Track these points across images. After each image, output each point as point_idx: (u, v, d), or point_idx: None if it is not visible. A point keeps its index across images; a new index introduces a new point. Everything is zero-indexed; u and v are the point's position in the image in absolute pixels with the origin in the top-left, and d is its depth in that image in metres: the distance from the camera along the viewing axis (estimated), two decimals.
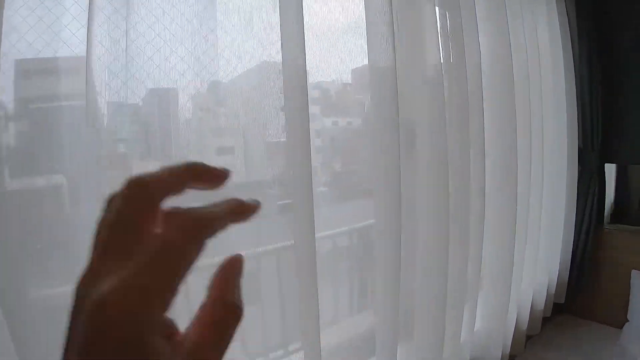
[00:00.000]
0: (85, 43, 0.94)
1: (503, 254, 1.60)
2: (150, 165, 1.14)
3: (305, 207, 1.00)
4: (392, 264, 1.19)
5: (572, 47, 1.99)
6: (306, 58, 1.05)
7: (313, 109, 1.59)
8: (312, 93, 1.56)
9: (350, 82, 1.58)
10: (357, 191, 1.76)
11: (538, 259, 1.94)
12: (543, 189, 1.85)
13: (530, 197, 1.71)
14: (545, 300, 2.06)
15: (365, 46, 1.37)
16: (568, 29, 1.97)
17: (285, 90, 1.00)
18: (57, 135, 0.92)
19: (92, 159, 0.89)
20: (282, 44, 1.01)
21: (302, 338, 1.07)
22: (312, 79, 1.35)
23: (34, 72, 0.95)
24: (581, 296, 2.28)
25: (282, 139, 1.39)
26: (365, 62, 1.48)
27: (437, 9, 1.25)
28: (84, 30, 0.94)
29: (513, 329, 1.82)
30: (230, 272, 0.25)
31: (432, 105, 1.26)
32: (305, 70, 0.99)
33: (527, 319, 1.93)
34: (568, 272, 2.19)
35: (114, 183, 0.23)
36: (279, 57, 1.15)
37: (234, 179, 0.26)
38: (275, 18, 1.19)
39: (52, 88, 0.96)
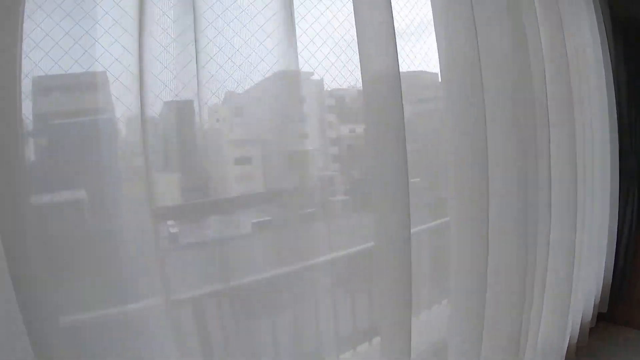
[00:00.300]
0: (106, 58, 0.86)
1: (564, 267, 1.53)
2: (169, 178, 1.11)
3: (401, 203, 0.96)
4: (477, 271, 1.11)
5: (609, 49, 1.95)
6: (320, 66, 1.09)
7: (329, 117, 1.53)
8: (328, 101, 1.50)
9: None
10: None
11: (589, 269, 1.87)
12: (594, 195, 1.78)
13: (585, 205, 1.65)
14: (593, 311, 2.00)
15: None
16: (605, 29, 1.93)
17: (372, 91, 0.98)
18: (77, 150, 0.87)
19: (112, 172, 0.88)
20: (359, 43, 0.98)
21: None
22: (326, 86, 1.33)
23: (55, 87, 0.89)
24: (621, 303, 2.22)
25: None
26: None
27: None
28: (118, 45, 0.87)
29: (567, 341, 1.75)
30: None
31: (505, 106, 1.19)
32: (398, 71, 0.95)
33: (578, 331, 1.86)
34: (611, 281, 2.13)
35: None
36: (294, 66, 1.10)
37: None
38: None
39: (71, 103, 0.91)
